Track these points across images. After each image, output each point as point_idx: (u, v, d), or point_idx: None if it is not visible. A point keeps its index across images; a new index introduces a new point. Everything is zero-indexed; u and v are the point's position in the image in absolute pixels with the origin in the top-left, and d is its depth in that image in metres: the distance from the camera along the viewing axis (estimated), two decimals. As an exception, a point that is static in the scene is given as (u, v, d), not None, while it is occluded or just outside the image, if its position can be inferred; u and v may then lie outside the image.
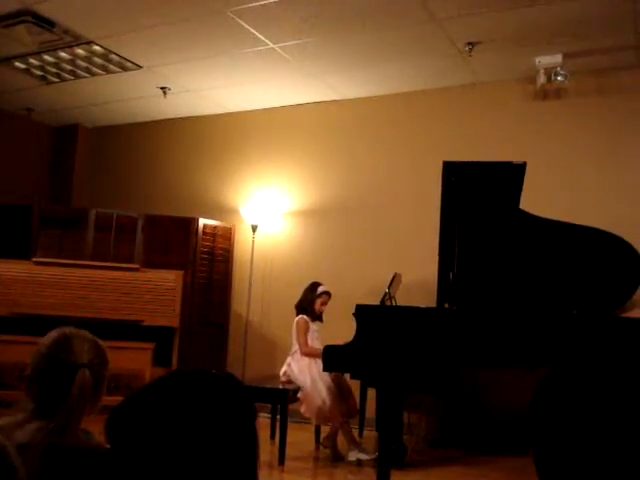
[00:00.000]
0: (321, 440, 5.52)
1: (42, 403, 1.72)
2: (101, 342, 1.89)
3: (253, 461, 1.09)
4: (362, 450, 5.19)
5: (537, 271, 4.82)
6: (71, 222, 6.93)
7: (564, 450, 1.01)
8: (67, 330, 1.85)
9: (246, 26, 5.49)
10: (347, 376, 5.14)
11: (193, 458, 1.02)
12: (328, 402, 5.11)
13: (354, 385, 5.44)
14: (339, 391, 5.23)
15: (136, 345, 5.65)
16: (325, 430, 5.48)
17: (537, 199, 5.15)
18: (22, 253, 6.42)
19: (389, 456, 4.42)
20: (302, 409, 5.22)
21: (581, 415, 1.01)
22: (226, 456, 1.05)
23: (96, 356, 1.84)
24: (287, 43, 5.85)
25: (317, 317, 5.51)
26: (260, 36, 5.70)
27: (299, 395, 5.22)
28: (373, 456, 5.00)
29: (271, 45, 5.89)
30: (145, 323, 5.87)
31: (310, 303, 5.45)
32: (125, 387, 6.00)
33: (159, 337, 5.83)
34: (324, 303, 5.49)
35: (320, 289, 5.49)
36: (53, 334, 1.83)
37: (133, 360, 5.64)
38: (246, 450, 1.08)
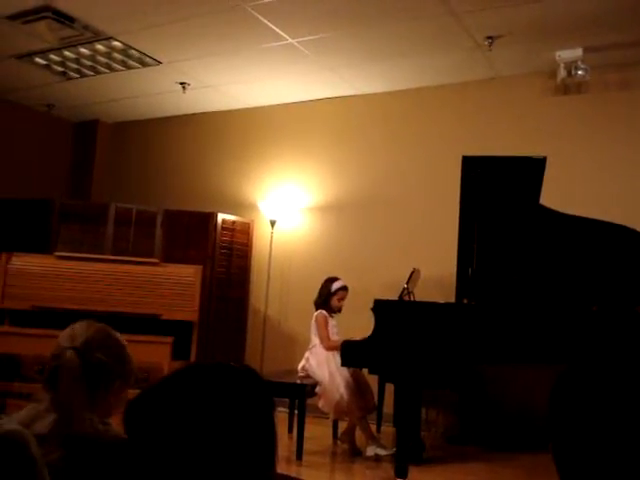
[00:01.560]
0: (339, 435, 5.52)
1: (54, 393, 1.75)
2: (115, 333, 1.88)
3: (272, 454, 1.09)
4: (380, 445, 5.18)
5: (557, 267, 4.79)
6: (91, 217, 6.98)
7: (584, 446, 1.01)
8: (81, 320, 1.86)
9: (265, 21, 5.49)
10: (365, 371, 5.15)
11: (210, 450, 1.02)
12: (346, 397, 5.11)
13: (372, 380, 5.44)
14: (357, 386, 5.22)
15: (155, 339, 5.66)
16: (343, 425, 5.49)
17: (557, 194, 5.12)
18: (43, 247, 6.47)
19: (407, 452, 4.42)
20: (320, 403, 5.23)
21: (601, 411, 1.01)
22: (244, 449, 1.05)
23: (94, 340, 1.82)
24: (305, 38, 5.85)
25: (335, 311, 5.51)
26: (279, 31, 5.70)
27: (317, 390, 5.22)
28: (391, 451, 5.00)
29: (290, 40, 5.88)
30: (164, 317, 5.89)
31: (327, 299, 5.45)
32: (143, 381, 6.03)
33: (178, 331, 5.84)
34: (342, 298, 5.49)
35: (336, 285, 5.48)
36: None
37: (152, 354, 5.66)
38: (264, 443, 1.08)
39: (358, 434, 5.29)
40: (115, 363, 1.83)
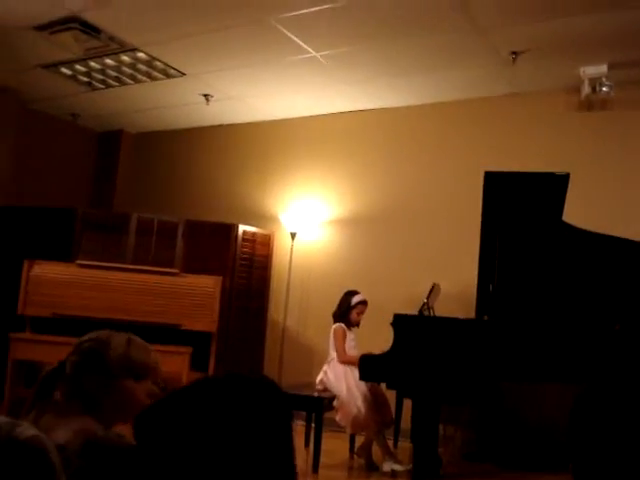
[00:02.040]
0: (356, 450, 5.49)
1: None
2: (99, 337, 1.84)
3: (291, 466, 1.08)
4: (397, 461, 5.15)
5: (579, 284, 4.75)
6: (113, 226, 7.03)
7: (604, 468, 0.99)
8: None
9: (289, 34, 5.52)
10: (383, 385, 5.12)
11: (226, 461, 1.01)
12: (363, 411, 5.09)
13: (390, 395, 5.41)
14: (375, 400, 5.20)
15: (174, 349, 5.68)
16: (360, 439, 5.46)
17: (580, 211, 5.08)
18: (65, 256, 6.52)
19: (424, 468, 4.39)
20: (337, 417, 5.21)
21: (620, 433, 0.99)
22: (262, 461, 1.04)
23: (74, 351, 1.83)
24: (329, 51, 5.87)
25: (354, 325, 5.49)
26: (303, 44, 5.72)
27: (335, 403, 5.20)
28: (408, 467, 4.96)
29: (313, 53, 5.91)
30: (183, 327, 5.91)
31: (346, 312, 5.43)
32: (162, 390, 6.04)
33: (197, 341, 5.86)
34: (360, 312, 5.47)
35: (356, 299, 5.46)
36: None
37: (170, 364, 5.68)
38: (282, 455, 1.07)
39: (375, 449, 5.26)
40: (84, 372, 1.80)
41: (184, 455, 1.02)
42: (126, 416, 1.82)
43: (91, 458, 1.53)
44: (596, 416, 1.03)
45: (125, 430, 1.75)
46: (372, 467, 5.23)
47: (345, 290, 5.58)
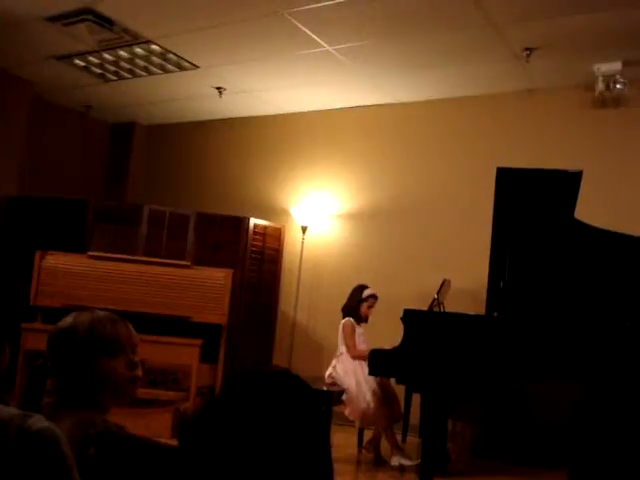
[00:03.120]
0: (364, 444, 5.50)
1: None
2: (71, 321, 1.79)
3: (329, 468, 1.06)
4: (405, 456, 5.15)
5: (590, 282, 4.72)
6: (125, 218, 7.05)
7: (598, 471, 0.99)
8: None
9: (302, 28, 5.51)
10: (392, 381, 5.12)
11: (273, 466, 1.00)
12: (372, 405, 5.09)
13: (399, 390, 5.41)
14: (384, 395, 5.21)
15: (184, 341, 5.71)
16: (368, 434, 5.46)
17: (593, 208, 5.06)
18: (77, 247, 6.55)
19: (432, 463, 4.39)
20: (346, 411, 5.21)
21: (616, 439, 0.99)
22: (304, 456, 1.02)
23: (47, 346, 1.79)
24: (342, 45, 5.86)
25: (363, 320, 5.49)
26: (316, 38, 5.72)
27: (343, 397, 5.21)
28: (416, 462, 4.97)
29: (327, 47, 5.90)
30: (194, 319, 5.92)
31: (356, 306, 5.43)
32: (172, 382, 6.07)
33: (207, 334, 5.88)
34: (371, 306, 5.47)
35: (366, 292, 5.46)
36: None
37: (181, 355, 5.71)
38: (321, 459, 1.05)
39: (383, 444, 5.27)
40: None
41: (230, 456, 1.01)
42: (117, 396, 1.76)
43: (104, 447, 1.53)
44: (593, 424, 1.03)
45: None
46: (380, 462, 5.24)
47: (355, 284, 5.58)
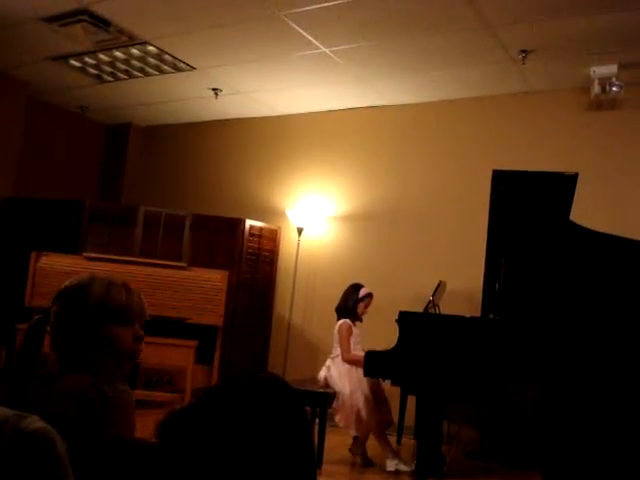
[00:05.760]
0: (350, 447, 5.44)
1: None
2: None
3: (312, 465, 1.06)
4: (402, 461, 5.11)
5: (586, 285, 4.73)
6: (120, 219, 7.04)
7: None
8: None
9: (299, 29, 5.52)
10: (385, 384, 5.11)
11: (250, 468, 1.00)
12: (364, 413, 5.07)
13: (394, 392, 5.41)
14: (375, 401, 5.17)
15: (180, 342, 5.70)
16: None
17: (589, 211, 5.07)
18: (72, 248, 6.54)
19: (427, 465, 4.39)
20: (337, 418, 5.17)
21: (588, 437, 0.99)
22: (285, 459, 1.02)
23: (56, 299, 1.78)
24: (339, 47, 5.86)
25: (359, 319, 5.48)
26: (312, 39, 5.72)
27: (334, 404, 5.17)
28: (412, 467, 4.94)
29: (323, 49, 5.90)
30: (189, 321, 5.92)
31: (353, 307, 5.42)
32: (167, 383, 6.07)
33: (202, 335, 5.87)
34: (367, 305, 5.48)
35: (363, 292, 5.46)
36: None
37: (176, 357, 5.70)
38: (304, 462, 1.05)
39: (369, 445, 5.25)
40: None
41: (206, 457, 1.01)
42: (118, 365, 1.74)
43: (100, 449, 1.52)
44: (555, 420, 1.03)
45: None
46: (368, 463, 5.22)
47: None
